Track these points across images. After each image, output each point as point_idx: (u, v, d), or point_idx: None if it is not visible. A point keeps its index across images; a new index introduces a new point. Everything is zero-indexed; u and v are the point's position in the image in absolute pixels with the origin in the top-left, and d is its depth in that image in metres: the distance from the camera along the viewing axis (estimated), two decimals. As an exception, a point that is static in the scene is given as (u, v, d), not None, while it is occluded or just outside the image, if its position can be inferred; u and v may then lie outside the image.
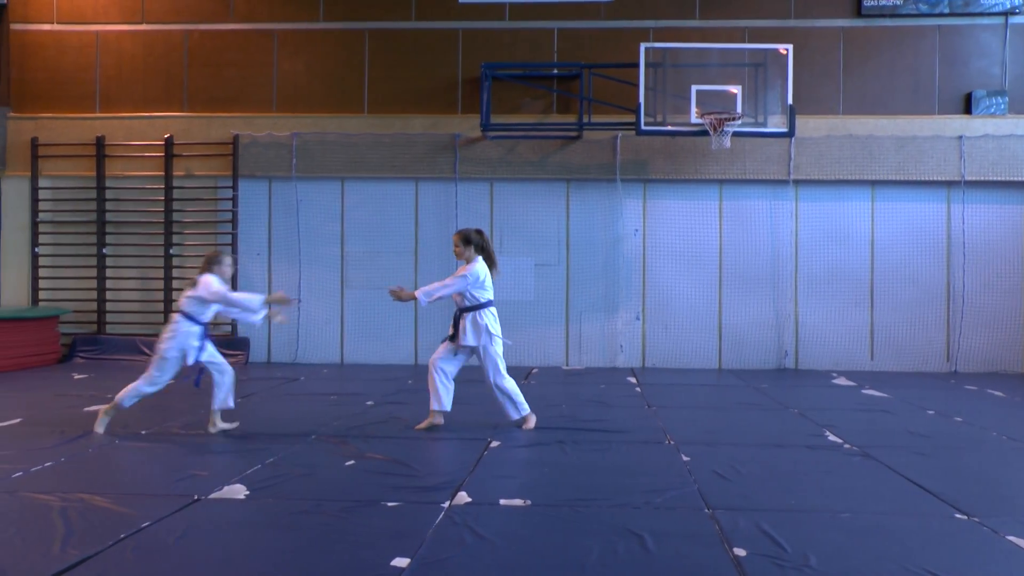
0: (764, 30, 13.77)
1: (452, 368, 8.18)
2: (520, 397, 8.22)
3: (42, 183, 14.41)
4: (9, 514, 5.18)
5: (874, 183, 13.70)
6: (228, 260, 8.08)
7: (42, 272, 14.38)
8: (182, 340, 7.70)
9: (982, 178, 13.46)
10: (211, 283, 7.75)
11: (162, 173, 14.24)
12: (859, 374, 13.09)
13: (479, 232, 8.14)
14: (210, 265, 7.92)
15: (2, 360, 12.59)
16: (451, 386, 8.16)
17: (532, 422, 8.25)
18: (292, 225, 14.13)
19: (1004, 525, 5.16)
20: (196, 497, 5.62)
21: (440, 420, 8.19)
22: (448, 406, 8.12)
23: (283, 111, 14.25)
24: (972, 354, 13.60)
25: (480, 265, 7.97)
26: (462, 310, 8.05)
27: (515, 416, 8.19)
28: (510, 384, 8.17)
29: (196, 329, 7.75)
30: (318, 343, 14.15)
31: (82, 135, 14.34)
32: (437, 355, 8.17)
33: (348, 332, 14.10)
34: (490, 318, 8.05)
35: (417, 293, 7.88)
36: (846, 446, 7.54)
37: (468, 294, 7.95)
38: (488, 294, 8.03)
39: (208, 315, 7.89)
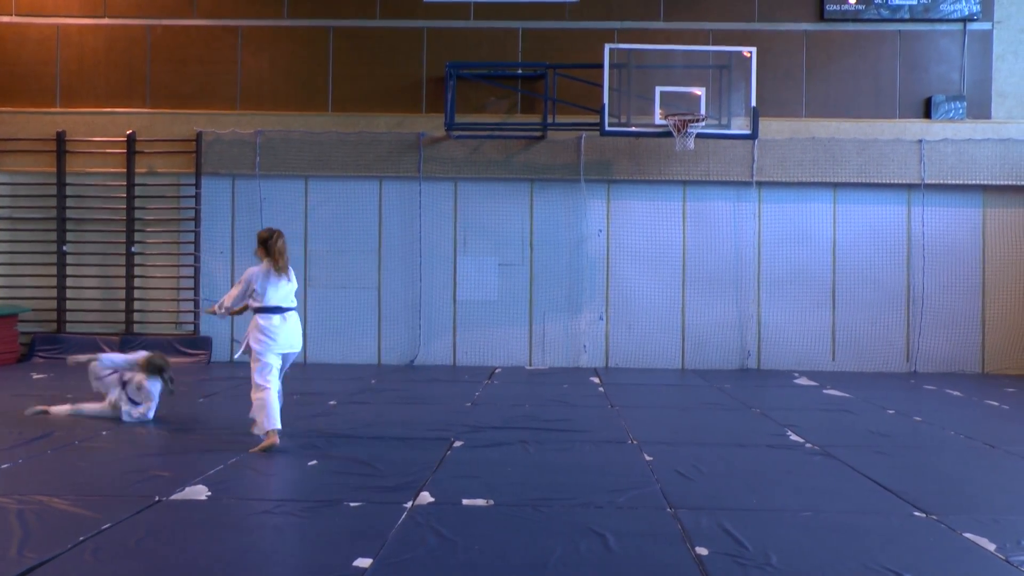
0: (728, 32, 13.87)
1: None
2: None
3: (0, 179, 14.19)
4: (-36, 515, 5.11)
5: (836, 185, 13.85)
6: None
7: (0, 270, 14.16)
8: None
9: (941, 181, 13.65)
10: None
11: (124, 170, 14.06)
12: (821, 374, 13.23)
13: (268, 230, 7.60)
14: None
15: (-42, 359, 12.38)
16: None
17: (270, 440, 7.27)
18: (255, 223, 14.01)
19: (961, 522, 5.25)
20: (157, 498, 5.56)
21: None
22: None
23: (247, 108, 14.14)
24: (931, 354, 13.78)
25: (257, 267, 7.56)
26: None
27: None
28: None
29: None
30: (281, 342, 14.02)
31: (42, 130, 14.13)
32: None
33: (311, 331, 14.00)
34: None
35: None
36: (807, 445, 7.62)
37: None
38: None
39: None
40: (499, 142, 13.87)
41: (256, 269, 7.51)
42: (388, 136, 13.93)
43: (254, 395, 7.32)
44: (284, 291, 7.51)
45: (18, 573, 4.17)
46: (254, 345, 7.38)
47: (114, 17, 14.22)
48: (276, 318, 7.42)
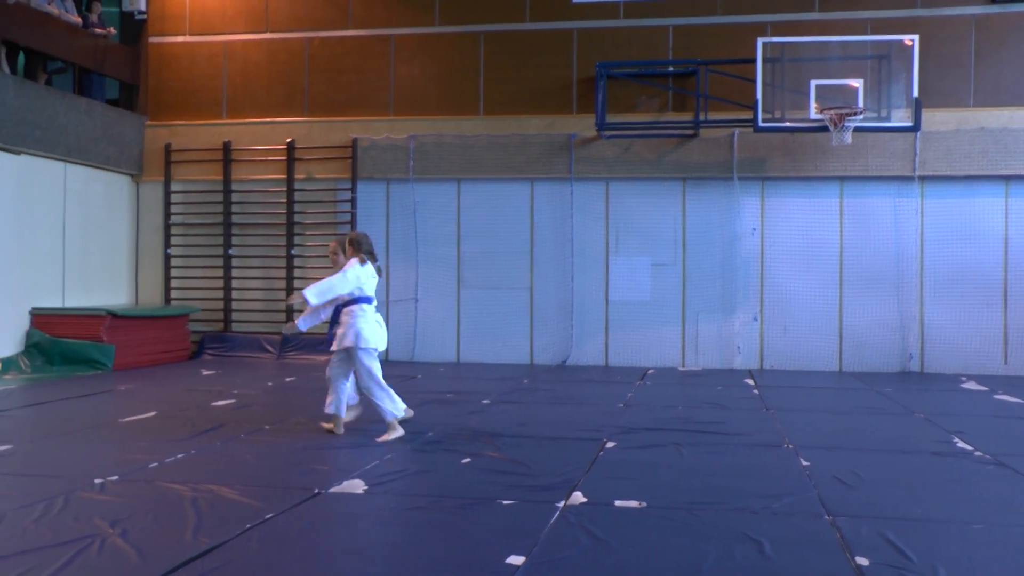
0: (888, 21, 13.30)
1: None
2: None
3: (174, 187, 15.03)
4: (147, 502, 5.44)
5: (1008, 178, 13.09)
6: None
7: (173, 272, 15.00)
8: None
9: None
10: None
11: (284, 176, 14.67)
12: (991, 378, 12.53)
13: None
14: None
15: (139, 356, 13.20)
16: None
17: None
18: (409, 226, 14.37)
19: None
20: (317, 491, 5.77)
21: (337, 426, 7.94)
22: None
23: (400, 114, 14.50)
24: (1115, 358, 12.88)
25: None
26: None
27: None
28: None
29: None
30: (435, 342, 14.34)
31: (210, 141, 14.90)
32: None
33: (464, 331, 14.26)
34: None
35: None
36: (977, 453, 7.23)
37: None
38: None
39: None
40: (650, 141, 13.75)
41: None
42: (539, 138, 14.02)
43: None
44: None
45: (192, 556, 4.41)
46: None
47: (275, 32, 14.85)
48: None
